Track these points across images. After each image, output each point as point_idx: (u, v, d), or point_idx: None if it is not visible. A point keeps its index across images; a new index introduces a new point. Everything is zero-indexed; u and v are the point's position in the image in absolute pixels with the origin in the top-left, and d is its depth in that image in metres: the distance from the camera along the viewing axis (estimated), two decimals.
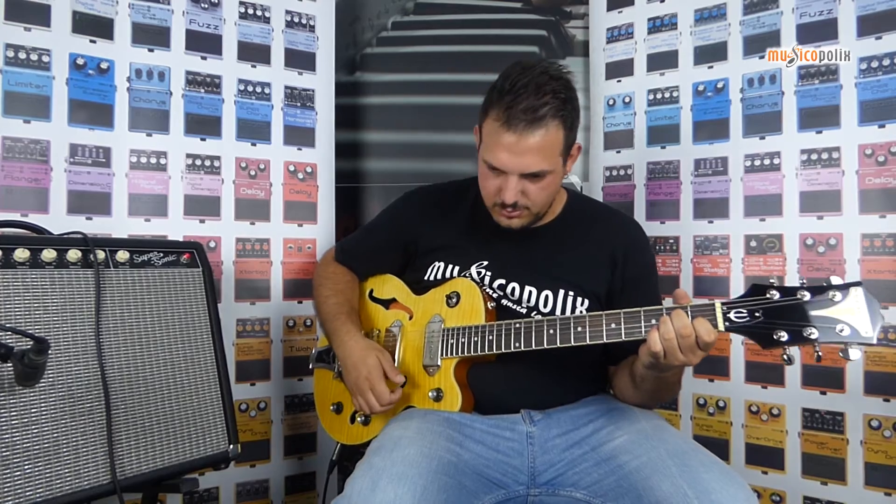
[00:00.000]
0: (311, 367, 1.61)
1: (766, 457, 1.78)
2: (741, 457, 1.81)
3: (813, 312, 1.03)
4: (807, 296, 1.04)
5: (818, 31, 1.74)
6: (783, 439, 1.75)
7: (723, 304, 1.09)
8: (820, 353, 1.02)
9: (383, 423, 1.37)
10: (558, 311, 1.36)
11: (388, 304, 1.53)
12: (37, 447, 1.16)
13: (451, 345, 1.34)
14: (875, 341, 1.00)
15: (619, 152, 2.07)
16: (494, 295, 1.39)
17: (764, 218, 1.81)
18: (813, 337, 1.02)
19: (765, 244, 1.80)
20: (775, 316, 1.05)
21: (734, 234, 1.85)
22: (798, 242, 1.75)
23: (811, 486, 1.71)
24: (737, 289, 1.83)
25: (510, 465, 1.26)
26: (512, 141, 1.24)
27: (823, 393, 1.70)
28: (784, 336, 1.03)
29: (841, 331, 1.01)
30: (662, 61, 1.99)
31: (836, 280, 1.04)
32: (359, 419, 1.46)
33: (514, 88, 1.24)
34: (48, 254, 1.26)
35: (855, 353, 1.00)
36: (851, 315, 1.01)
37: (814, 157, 1.74)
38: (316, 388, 1.62)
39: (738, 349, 1.82)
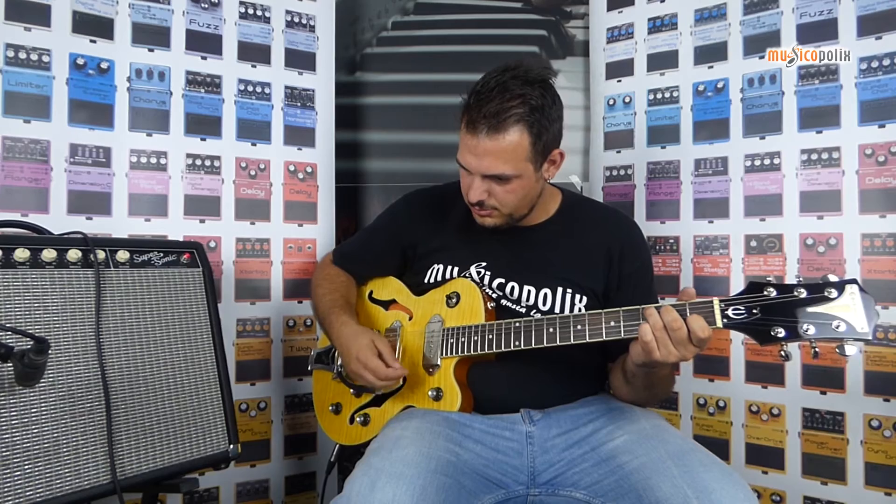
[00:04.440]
0: (309, 368, 1.61)
1: (766, 457, 1.78)
2: (741, 457, 1.81)
3: (809, 309, 1.04)
4: (803, 293, 1.05)
5: (818, 31, 1.74)
6: (783, 439, 1.75)
7: (721, 301, 1.10)
8: (817, 350, 1.04)
9: (382, 424, 1.37)
10: (557, 309, 1.36)
11: (387, 305, 1.54)
12: (37, 447, 1.16)
13: (451, 344, 1.34)
14: (871, 336, 1.01)
15: (619, 152, 2.07)
16: (494, 295, 1.39)
17: (764, 218, 1.81)
18: (809, 333, 1.03)
19: (765, 244, 1.80)
20: (772, 313, 1.06)
21: (734, 234, 1.85)
22: (798, 242, 1.75)
23: (811, 486, 1.71)
24: (737, 289, 1.82)
25: (510, 465, 1.26)
26: (474, 143, 1.26)
27: (823, 393, 1.70)
28: (781, 332, 1.05)
29: (837, 327, 1.02)
30: (662, 61, 1.99)
31: (832, 277, 1.05)
32: (358, 420, 1.45)
33: (482, 90, 1.25)
34: (48, 254, 1.26)
35: (851, 349, 1.02)
36: (847, 311, 1.03)
37: (814, 157, 1.74)
38: (315, 390, 1.61)
39: (738, 349, 1.82)
